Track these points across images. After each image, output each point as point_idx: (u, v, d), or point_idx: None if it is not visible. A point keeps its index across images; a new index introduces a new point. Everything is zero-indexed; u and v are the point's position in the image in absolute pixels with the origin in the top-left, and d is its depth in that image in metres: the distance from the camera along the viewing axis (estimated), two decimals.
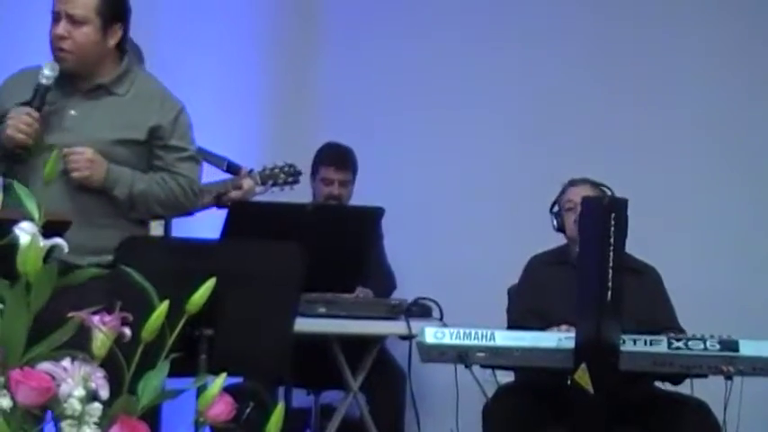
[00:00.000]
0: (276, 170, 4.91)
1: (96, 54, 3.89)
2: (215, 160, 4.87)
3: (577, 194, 4.64)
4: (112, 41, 3.90)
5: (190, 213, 4.15)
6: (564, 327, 4.35)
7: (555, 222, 4.79)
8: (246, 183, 4.81)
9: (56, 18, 3.89)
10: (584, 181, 4.77)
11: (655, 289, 4.73)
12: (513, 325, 4.61)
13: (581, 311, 4.18)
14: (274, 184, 4.90)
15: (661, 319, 4.62)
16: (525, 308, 4.66)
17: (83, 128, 3.88)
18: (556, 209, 4.80)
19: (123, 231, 3.83)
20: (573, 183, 4.80)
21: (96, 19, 3.87)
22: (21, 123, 3.81)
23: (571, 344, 4.17)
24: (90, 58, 3.88)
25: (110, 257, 3.65)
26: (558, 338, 4.26)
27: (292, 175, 4.93)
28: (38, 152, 3.82)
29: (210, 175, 4.81)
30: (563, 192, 4.80)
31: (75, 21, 3.85)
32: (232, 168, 4.87)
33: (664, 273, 4.78)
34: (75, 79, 3.91)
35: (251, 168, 4.89)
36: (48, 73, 3.85)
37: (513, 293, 4.84)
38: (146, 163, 3.93)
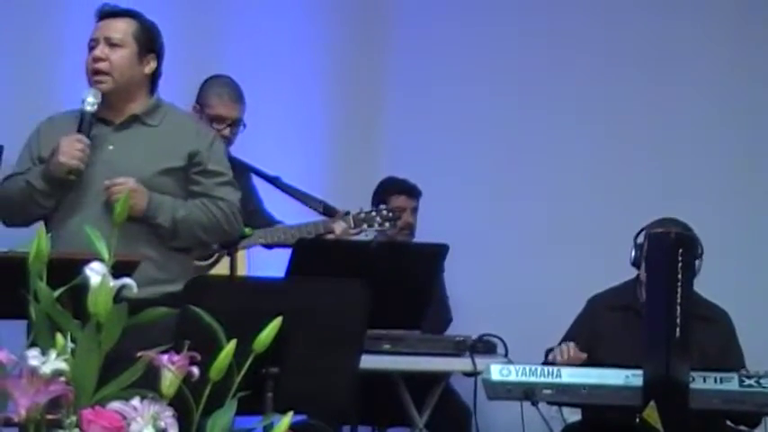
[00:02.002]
0: (372, 213, 4.93)
1: (131, 78, 3.96)
2: (311, 202, 4.90)
3: None
4: (147, 69, 3.99)
5: (232, 239, 4.16)
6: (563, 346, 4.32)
7: (633, 255, 4.69)
8: (338, 227, 4.82)
9: (93, 45, 3.99)
10: (672, 223, 4.60)
11: (725, 337, 4.65)
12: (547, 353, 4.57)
13: (649, 348, 4.14)
14: (369, 228, 4.92)
15: (731, 366, 4.53)
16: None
17: (122, 161, 3.94)
18: (641, 238, 4.69)
19: (168, 262, 3.87)
20: (659, 224, 4.61)
21: (133, 44, 3.97)
22: (73, 150, 3.88)
23: (639, 381, 4.13)
24: (125, 81, 3.96)
25: (163, 289, 3.69)
26: (626, 376, 4.22)
27: (388, 220, 4.95)
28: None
29: (306, 217, 4.86)
30: (647, 232, 4.61)
31: (112, 44, 3.96)
32: (328, 210, 4.89)
33: (731, 310, 4.72)
34: (109, 111, 3.97)
35: (347, 211, 4.91)
36: (91, 99, 3.93)
37: (569, 330, 4.80)
38: (185, 191, 3.97)
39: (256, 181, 5.07)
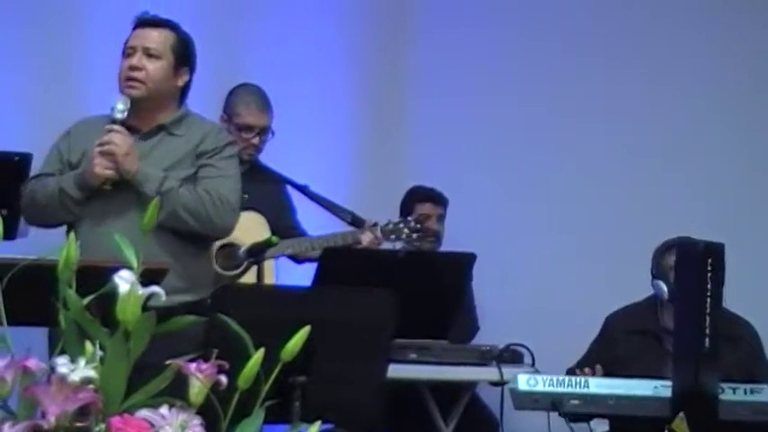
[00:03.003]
0: (401, 225, 4.92)
1: (164, 90, 3.99)
2: (340, 212, 4.91)
3: None
4: (180, 82, 4.01)
5: (220, 230, 4.09)
6: (587, 370, 4.29)
7: (654, 269, 4.66)
8: (366, 237, 4.82)
9: (130, 53, 4.00)
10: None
11: (753, 354, 4.62)
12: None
13: (678, 359, 4.12)
14: (397, 239, 4.92)
15: (760, 379, 4.49)
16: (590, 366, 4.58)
17: None
18: (659, 254, 4.66)
19: (188, 270, 3.87)
20: (674, 246, 4.57)
21: (170, 56, 3.98)
22: (107, 160, 3.89)
23: (668, 392, 4.11)
24: (158, 93, 3.97)
25: (184, 298, 3.70)
26: (655, 386, 4.19)
27: (416, 231, 4.94)
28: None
29: (334, 227, 4.86)
30: (663, 252, 4.64)
31: (150, 54, 3.97)
32: (357, 221, 4.89)
33: (757, 321, 4.69)
34: (137, 120, 3.99)
35: (375, 222, 4.91)
36: (121, 107, 3.96)
37: (587, 352, 4.77)
38: None
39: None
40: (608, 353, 4.65)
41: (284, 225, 4.88)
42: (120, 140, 3.90)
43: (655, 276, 4.63)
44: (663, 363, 4.37)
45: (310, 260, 4.98)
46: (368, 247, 4.84)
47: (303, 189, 4.98)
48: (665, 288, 4.56)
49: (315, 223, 5.05)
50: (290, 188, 5.06)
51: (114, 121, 3.96)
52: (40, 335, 3.03)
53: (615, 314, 4.75)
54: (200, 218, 3.94)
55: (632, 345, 4.62)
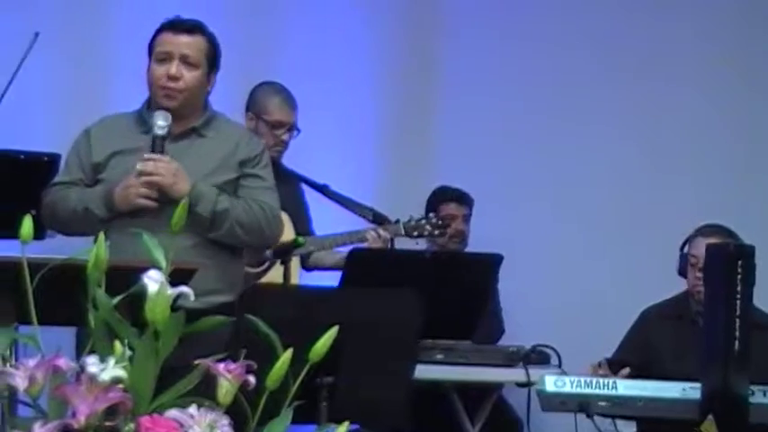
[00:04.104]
0: (422, 221, 4.92)
1: (198, 98, 3.98)
2: (360, 210, 4.90)
3: (704, 248, 4.44)
4: (210, 87, 4.00)
5: (268, 244, 4.13)
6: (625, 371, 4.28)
7: (680, 265, 4.66)
8: (370, 236, 4.81)
9: (164, 59, 3.95)
10: (714, 231, 4.60)
11: None
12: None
13: (707, 361, 4.09)
14: (419, 236, 4.92)
15: None
16: (626, 361, 4.57)
17: None
18: (687, 249, 4.67)
19: (222, 271, 3.86)
20: (701, 232, 4.63)
21: (205, 64, 3.96)
22: (143, 188, 3.86)
23: (697, 394, 4.08)
24: (193, 101, 3.96)
25: (220, 299, 3.70)
26: (683, 389, 4.17)
27: (438, 227, 4.94)
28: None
29: (355, 225, 4.86)
30: (690, 240, 4.66)
31: (189, 63, 3.93)
32: (378, 218, 4.89)
33: None
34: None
35: (397, 219, 4.91)
36: (162, 123, 3.90)
37: (622, 342, 4.76)
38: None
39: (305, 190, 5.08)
40: (642, 341, 4.64)
41: (301, 225, 4.89)
42: (164, 170, 3.86)
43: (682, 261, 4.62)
44: (699, 347, 4.32)
45: (318, 268, 4.99)
46: (395, 248, 4.85)
47: (323, 189, 4.99)
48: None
49: (336, 221, 5.05)
50: (306, 187, 5.06)
51: (155, 138, 3.91)
52: (67, 334, 3.04)
53: (650, 307, 4.75)
54: (254, 232, 3.95)
55: (667, 330, 4.61)
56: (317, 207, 5.10)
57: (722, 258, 4.11)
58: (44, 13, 5.32)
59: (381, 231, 4.84)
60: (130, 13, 5.30)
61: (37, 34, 4.72)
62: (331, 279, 4.83)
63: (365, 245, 4.79)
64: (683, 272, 4.65)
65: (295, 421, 1.99)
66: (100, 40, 5.43)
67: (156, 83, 3.94)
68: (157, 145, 3.90)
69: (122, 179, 3.89)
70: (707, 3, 5.89)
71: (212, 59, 3.99)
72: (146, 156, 3.88)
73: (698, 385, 4.11)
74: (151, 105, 4.01)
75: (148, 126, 3.96)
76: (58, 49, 5.33)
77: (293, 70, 5.46)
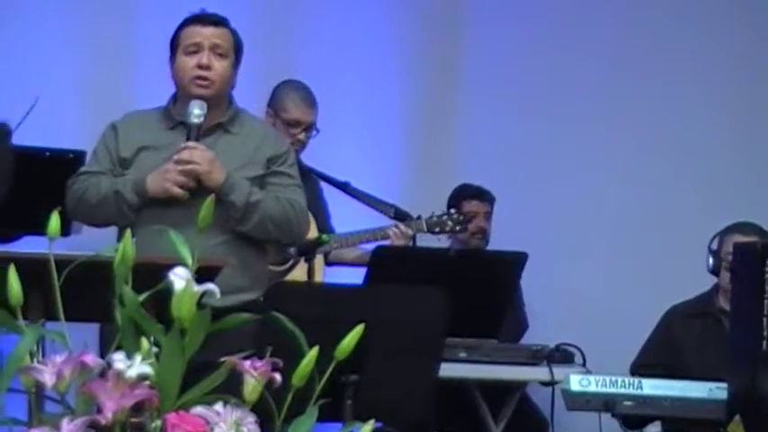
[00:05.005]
0: (444, 217, 4.92)
1: (226, 90, 4.00)
2: (382, 207, 4.91)
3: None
4: (234, 81, 4.01)
5: (294, 241, 4.13)
6: None
7: (710, 262, 4.62)
8: (393, 232, 4.81)
9: (194, 51, 3.96)
10: (744, 228, 4.57)
11: None
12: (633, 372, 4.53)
13: (734, 361, 4.08)
14: (441, 232, 4.91)
15: None
16: (652, 362, 4.56)
17: None
18: (715, 245, 4.63)
19: (247, 269, 3.86)
20: (735, 229, 4.60)
21: (232, 55, 3.98)
22: (179, 176, 3.88)
23: (723, 394, 4.07)
24: (223, 93, 3.98)
25: (246, 297, 3.70)
26: (710, 388, 4.16)
27: (459, 224, 4.94)
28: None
29: (377, 222, 4.86)
30: (723, 237, 4.63)
31: (219, 53, 3.95)
32: (400, 215, 4.89)
33: None
34: None
35: (418, 215, 4.91)
36: (197, 111, 3.92)
37: (646, 342, 4.75)
38: None
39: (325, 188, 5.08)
40: (667, 339, 4.63)
41: (321, 223, 4.89)
42: (200, 158, 3.86)
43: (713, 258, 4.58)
44: (724, 345, 4.31)
45: (339, 264, 4.99)
46: (420, 246, 4.84)
47: (344, 186, 4.99)
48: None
49: (357, 219, 5.05)
50: (324, 184, 5.06)
51: (191, 127, 3.90)
52: (91, 331, 3.05)
53: (674, 306, 4.73)
54: (284, 228, 3.96)
55: (692, 328, 4.59)
56: (338, 204, 5.10)
57: (750, 257, 4.09)
58: (70, 11, 5.34)
59: (403, 228, 4.84)
60: (156, 10, 5.31)
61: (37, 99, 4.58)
62: (354, 276, 4.83)
63: (387, 242, 4.79)
64: (715, 270, 4.61)
65: (320, 419, 1.99)
66: (123, 36, 5.44)
67: (187, 74, 3.95)
68: (193, 133, 3.91)
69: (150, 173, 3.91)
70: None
71: (238, 52, 4.02)
72: (183, 144, 3.89)
73: (724, 385, 4.10)
74: (178, 100, 4.01)
75: (174, 122, 3.98)
76: (83, 48, 5.35)
77: (317, 67, 5.47)
